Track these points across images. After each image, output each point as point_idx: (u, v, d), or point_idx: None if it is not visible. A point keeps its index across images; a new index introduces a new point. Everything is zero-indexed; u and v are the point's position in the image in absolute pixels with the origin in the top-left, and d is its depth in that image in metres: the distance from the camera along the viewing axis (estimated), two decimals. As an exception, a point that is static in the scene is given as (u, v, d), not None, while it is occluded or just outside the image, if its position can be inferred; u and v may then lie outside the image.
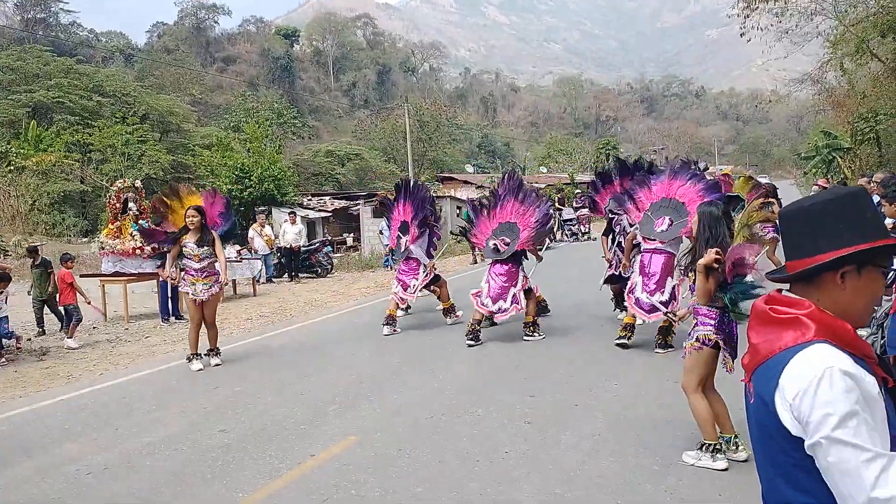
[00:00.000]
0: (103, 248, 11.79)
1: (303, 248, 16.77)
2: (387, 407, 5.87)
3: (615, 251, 8.55)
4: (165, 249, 8.00)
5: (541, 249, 8.67)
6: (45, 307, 10.33)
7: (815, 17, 23.97)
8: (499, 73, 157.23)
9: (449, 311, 9.47)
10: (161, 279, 10.87)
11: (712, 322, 4.27)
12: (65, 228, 26.69)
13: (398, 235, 9.32)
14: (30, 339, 10.02)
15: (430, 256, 9.23)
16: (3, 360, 8.54)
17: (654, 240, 7.32)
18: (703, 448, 4.26)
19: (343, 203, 28.94)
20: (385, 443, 4.98)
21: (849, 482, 1.38)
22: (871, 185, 8.50)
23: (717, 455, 4.20)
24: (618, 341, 7.48)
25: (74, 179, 29.55)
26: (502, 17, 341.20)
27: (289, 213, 17.34)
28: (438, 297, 9.58)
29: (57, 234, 25.48)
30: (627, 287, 7.61)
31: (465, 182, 39.58)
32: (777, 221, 2.07)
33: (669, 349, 7.15)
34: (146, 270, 11.51)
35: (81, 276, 11.19)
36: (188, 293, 7.60)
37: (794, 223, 1.64)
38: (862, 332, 3.45)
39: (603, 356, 7.27)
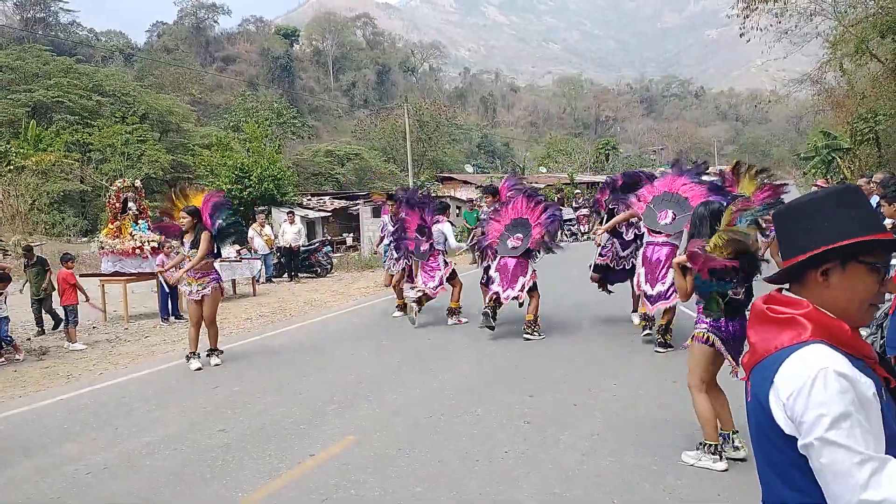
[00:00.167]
0: (103, 248, 11.79)
1: (302, 248, 16.77)
2: (386, 407, 5.88)
3: (613, 242, 8.52)
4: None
5: (557, 245, 8.72)
6: (41, 306, 10.32)
7: (814, 17, 23.98)
8: (498, 73, 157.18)
9: (454, 311, 9.50)
10: (161, 278, 10.90)
11: (707, 321, 4.30)
12: (64, 228, 26.69)
13: (415, 236, 9.44)
14: (29, 339, 10.02)
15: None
16: (3, 359, 8.53)
17: (660, 232, 7.31)
18: (704, 448, 4.27)
19: (343, 203, 28.95)
20: (384, 442, 4.99)
21: (840, 483, 1.38)
22: (871, 185, 8.50)
23: (716, 456, 4.20)
24: (645, 337, 7.55)
25: (74, 179, 29.55)
26: (502, 17, 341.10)
27: (287, 213, 17.34)
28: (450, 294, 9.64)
29: (56, 233, 25.48)
30: (635, 281, 7.66)
31: (465, 182, 39.57)
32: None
33: (669, 349, 7.15)
34: (146, 270, 11.52)
35: (81, 275, 11.17)
36: (186, 293, 7.77)
37: (782, 223, 1.66)
38: (862, 332, 3.45)
39: (602, 356, 7.27)
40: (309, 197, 30.24)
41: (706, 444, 4.25)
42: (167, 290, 11.00)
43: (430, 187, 34.88)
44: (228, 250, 13.38)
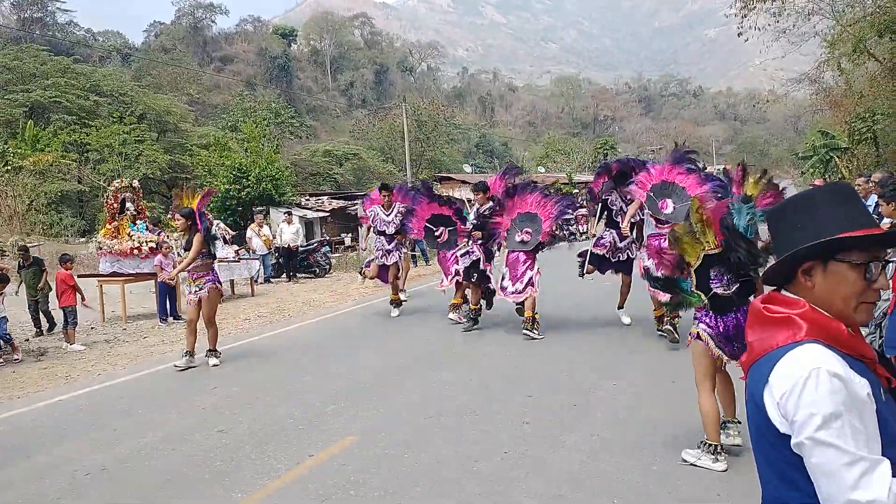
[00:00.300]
0: (101, 249, 11.76)
1: (301, 249, 16.75)
2: (386, 407, 5.87)
3: (612, 232, 8.43)
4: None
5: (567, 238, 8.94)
6: (37, 307, 10.30)
7: (812, 16, 24.00)
8: (496, 73, 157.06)
9: (457, 307, 9.53)
10: (159, 279, 10.89)
11: (699, 316, 4.38)
12: (62, 228, 26.62)
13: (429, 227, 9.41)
14: (27, 340, 10.00)
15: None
16: (2, 360, 8.52)
17: (665, 222, 7.28)
18: (704, 447, 4.27)
19: (341, 203, 28.91)
20: (384, 443, 4.98)
21: (830, 483, 1.39)
22: (870, 184, 8.49)
23: (718, 457, 4.21)
24: (667, 334, 7.56)
25: (72, 179, 29.48)
26: (499, 16, 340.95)
27: (285, 213, 17.32)
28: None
29: (54, 234, 25.40)
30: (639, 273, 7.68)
31: (463, 182, 39.50)
32: None
33: (675, 343, 7.29)
34: (144, 270, 11.50)
35: (79, 276, 11.16)
36: (186, 293, 7.91)
37: (771, 223, 1.69)
38: (862, 331, 3.47)
39: (603, 356, 7.27)
40: (307, 197, 30.18)
41: (707, 443, 4.26)
42: (165, 290, 10.99)
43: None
44: (227, 250, 13.38)
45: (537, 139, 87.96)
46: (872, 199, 7.44)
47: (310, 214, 26.01)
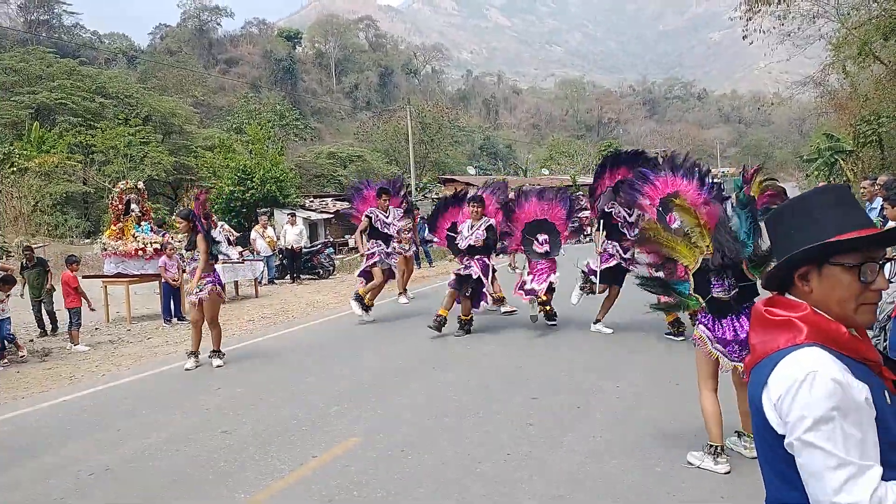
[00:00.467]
0: (105, 250, 11.80)
1: (305, 250, 16.77)
2: (389, 408, 5.87)
3: (614, 245, 8.34)
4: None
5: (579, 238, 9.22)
6: (41, 307, 10.32)
7: (817, 19, 23.93)
8: (501, 76, 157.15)
9: (501, 300, 9.73)
10: (163, 280, 10.93)
11: (699, 318, 4.42)
12: (67, 230, 26.69)
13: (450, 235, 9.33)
14: (32, 340, 10.03)
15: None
16: (6, 360, 8.55)
17: None
18: (706, 449, 4.27)
19: (345, 205, 28.90)
20: (387, 444, 4.98)
21: (815, 484, 1.41)
22: (875, 187, 8.46)
23: (719, 458, 4.20)
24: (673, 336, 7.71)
25: (77, 181, 29.54)
26: (504, 19, 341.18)
27: (289, 215, 17.36)
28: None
29: (59, 235, 25.47)
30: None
31: (467, 184, 39.51)
32: None
33: (681, 337, 7.51)
34: (148, 272, 11.54)
35: (84, 276, 11.20)
36: (188, 294, 7.95)
37: (769, 228, 1.70)
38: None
39: (605, 358, 7.26)
40: (311, 198, 30.25)
41: (709, 444, 4.26)
42: (170, 291, 11.03)
43: (434, 189, 34.90)
44: (231, 252, 13.41)
45: (541, 142, 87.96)
46: (878, 202, 7.42)
47: (314, 216, 26.04)
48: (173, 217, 8.48)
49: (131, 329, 10.82)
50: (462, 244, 8.71)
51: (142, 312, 12.18)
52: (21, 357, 8.69)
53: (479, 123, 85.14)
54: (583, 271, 8.65)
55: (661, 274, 5.31)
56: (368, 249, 9.95)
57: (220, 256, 8.21)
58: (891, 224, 6.21)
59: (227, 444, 5.14)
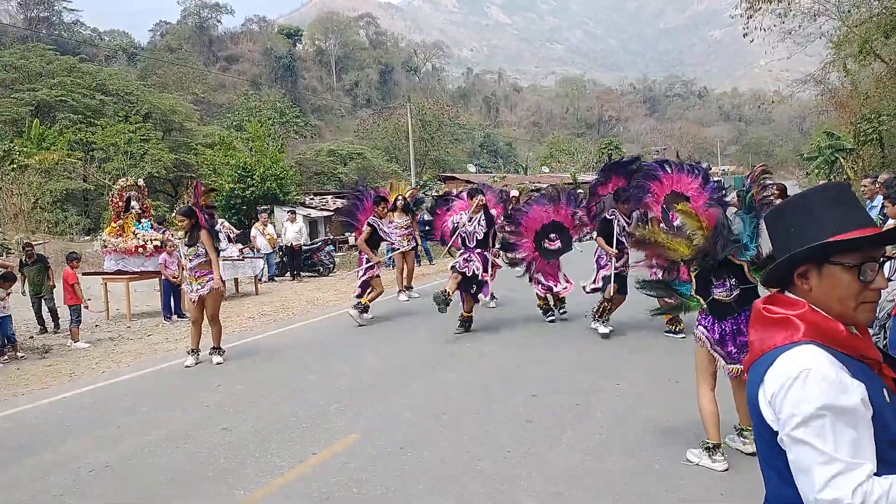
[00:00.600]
0: (106, 247, 11.81)
1: (305, 248, 16.77)
2: (388, 406, 5.88)
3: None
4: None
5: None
6: (41, 305, 10.32)
7: (818, 17, 23.92)
8: (501, 73, 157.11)
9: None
10: (163, 277, 10.92)
11: (699, 319, 4.43)
12: (67, 227, 26.68)
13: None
14: (32, 337, 10.04)
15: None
16: (6, 357, 8.55)
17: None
18: (704, 447, 4.28)
19: (345, 202, 28.89)
20: (387, 441, 4.99)
21: (803, 480, 1.43)
22: (876, 185, 8.45)
23: (716, 456, 4.22)
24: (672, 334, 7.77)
25: (77, 178, 29.53)
26: (505, 17, 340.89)
27: (289, 212, 17.36)
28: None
29: (59, 232, 25.46)
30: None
31: (468, 182, 39.53)
32: None
33: (681, 335, 7.59)
34: (148, 269, 11.54)
35: (84, 273, 11.20)
36: (188, 291, 7.89)
37: (769, 226, 1.70)
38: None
39: (604, 356, 7.27)
40: (311, 196, 30.24)
41: (707, 443, 4.27)
42: (170, 288, 11.03)
43: (434, 187, 34.89)
44: (231, 249, 13.41)
45: (542, 139, 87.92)
46: (878, 200, 7.41)
47: (314, 213, 26.04)
48: (173, 214, 8.40)
49: (131, 326, 10.82)
50: (468, 228, 8.66)
51: (142, 309, 12.18)
52: (20, 357, 8.69)
53: (479, 121, 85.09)
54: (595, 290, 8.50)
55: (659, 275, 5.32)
56: (367, 262, 9.88)
57: (220, 253, 8.21)
58: (891, 222, 6.21)
59: (227, 441, 5.15)
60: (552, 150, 67.33)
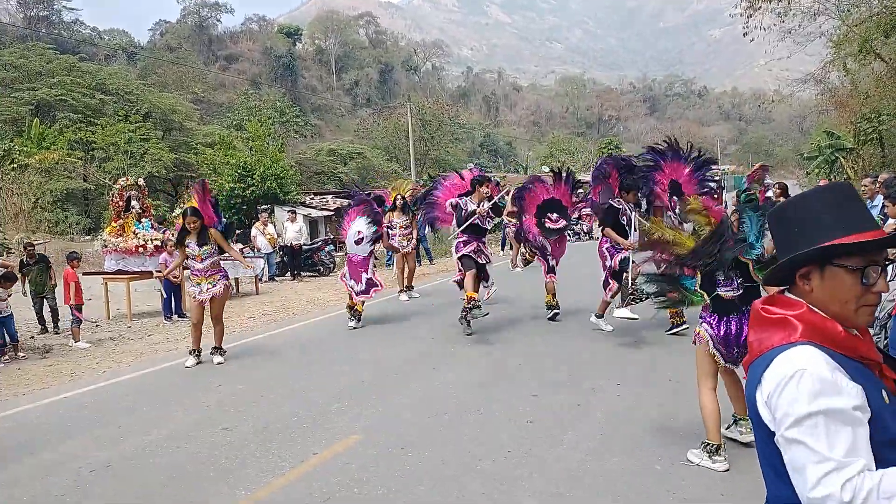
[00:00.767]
0: (106, 246, 11.81)
1: (305, 247, 16.77)
2: (389, 406, 5.88)
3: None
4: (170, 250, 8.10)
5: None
6: (43, 304, 10.31)
7: (818, 17, 23.92)
8: (501, 73, 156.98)
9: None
10: (157, 276, 10.87)
11: (703, 316, 4.43)
12: (67, 226, 26.65)
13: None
14: (33, 337, 10.04)
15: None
16: (7, 357, 8.56)
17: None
18: (704, 447, 4.29)
19: (345, 202, 28.87)
20: (388, 442, 4.99)
21: (798, 479, 1.44)
22: (876, 185, 8.46)
23: (717, 457, 4.22)
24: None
25: (77, 177, 29.50)
26: (504, 16, 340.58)
27: (289, 212, 17.36)
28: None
29: (60, 232, 25.43)
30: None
31: (467, 181, 39.46)
32: None
33: (683, 326, 7.66)
34: (149, 268, 11.54)
35: (84, 273, 11.20)
36: (194, 294, 7.66)
37: (772, 226, 1.71)
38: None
39: (605, 356, 7.27)
40: (312, 196, 30.21)
41: (707, 443, 4.28)
42: (170, 288, 11.03)
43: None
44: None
45: (542, 139, 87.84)
46: (879, 200, 7.42)
47: (314, 213, 26.02)
48: (174, 214, 8.26)
49: (132, 326, 10.83)
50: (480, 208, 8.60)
51: (142, 309, 12.18)
52: (21, 357, 8.70)
53: (479, 120, 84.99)
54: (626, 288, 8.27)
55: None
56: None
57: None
58: (891, 222, 6.22)
59: (228, 441, 5.15)
60: (552, 150, 67.20)
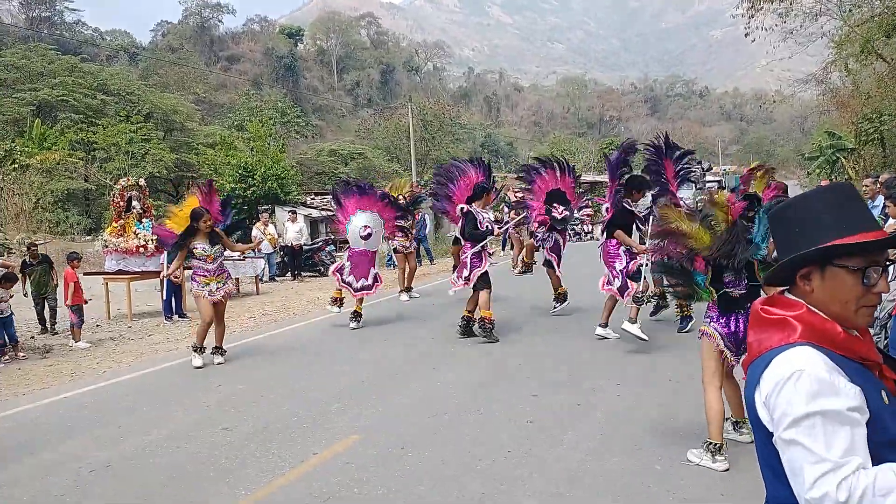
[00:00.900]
0: (107, 247, 11.82)
1: (305, 247, 16.78)
2: (389, 406, 5.87)
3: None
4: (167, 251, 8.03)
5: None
6: (44, 305, 10.31)
7: (819, 17, 23.89)
8: (502, 73, 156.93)
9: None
10: (163, 277, 10.89)
11: (711, 315, 4.41)
12: (68, 227, 26.69)
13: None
14: (33, 337, 10.04)
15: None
16: (7, 357, 8.56)
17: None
18: (706, 447, 4.28)
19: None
20: (388, 442, 4.99)
21: (795, 480, 1.44)
22: (877, 185, 8.45)
23: (718, 456, 4.22)
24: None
25: (78, 178, 29.55)
26: (506, 16, 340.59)
27: (290, 212, 17.36)
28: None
29: (60, 232, 25.47)
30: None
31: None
32: None
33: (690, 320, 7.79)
34: (149, 269, 11.54)
35: (85, 273, 11.20)
36: (203, 294, 7.52)
37: (772, 225, 1.71)
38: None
39: (605, 356, 7.26)
40: (312, 196, 30.24)
41: (709, 442, 4.27)
42: (171, 289, 11.03)
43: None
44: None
45: (543, 139, 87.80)
46: (880, 200, 7.41)
47: (315, 213, 26.04)
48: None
49: (132, 326, 10.83)
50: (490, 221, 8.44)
51: (143, 310, 12.19)
52: (21, 357, 8.70)
53: (480, 121, 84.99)
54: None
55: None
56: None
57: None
58: (891, 222, 6.21)
59: (228, 441, 5.15)
60: (553, 150, 67.01)
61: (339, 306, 9.67)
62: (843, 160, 30.23)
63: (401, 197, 11.69)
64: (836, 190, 1.62)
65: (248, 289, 14.41)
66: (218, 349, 7.76)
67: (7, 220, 22.80)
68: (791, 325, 1.53)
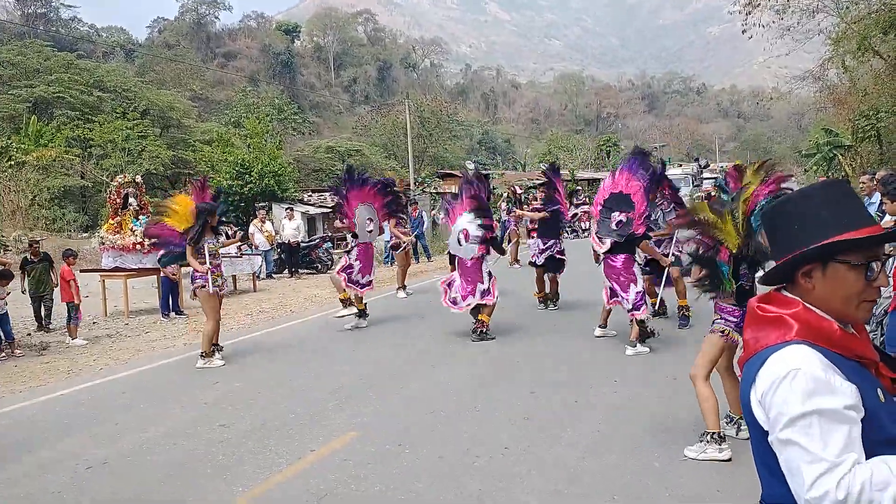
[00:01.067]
0: (103, 244, 11.79)
1: (303, 244, 16.76)
2: (387, 403, 5.87)
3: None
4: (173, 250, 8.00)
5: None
6: (42, 302, 10.28)
7: (816, 14, 23.92)
8: (500, 70, 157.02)
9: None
10: (163, 275, 10.88)
11: (734, 320, 4.40)
12: (65, 223, 26.61)
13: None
14: (30, 335, 10.02)
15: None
16: (4, 355, 8.54)
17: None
18: (706, 437, 4.29)
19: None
20: (385, 438, 4.98)
21: (793, 480, 1.43)
22: (874, 182, 8.45)
23: (722, 444, 4.26)
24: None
25: (75, 174, 29.46)
26: (503, 13, 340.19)
27: (287, 209, 17.34)
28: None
29: (57, 229, 25.40)
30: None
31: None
32: None
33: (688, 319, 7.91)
34: (146, 266, 11.51)
35: (82, 270, 11.18)
36: (212, 291, 7.45)
37: (768, 224, 1.69)
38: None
39: (603, 354, 7.27)
40: (309, 193, 30.18)
41: (709, 433, 4.29)
42: (168, 286, 11.02)
43: (431, 184, 34.87)
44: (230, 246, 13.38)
45: (540, 136, 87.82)
46: (877, 197, 7.41)
47: (312, 210, 26.01)
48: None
49: (129, 323, 10.80)
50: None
51: (140, 307, 12.16)
52: (18, 354, 8.68)
53: (477, 118, 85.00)
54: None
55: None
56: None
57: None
58: (888, 219, 6.21)
59: (226, 438, 5.14)
60: (550, 147, 67.14)
61: (348, 306, 9.59)
62: (840, 157, 30.28)
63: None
64: (833, 186, 1.62)
65: (246, 286, 14.40)
66: (215, 346, 7.74)
67: (3, 217, 22.75)
68: (787, 324, 1.52)
